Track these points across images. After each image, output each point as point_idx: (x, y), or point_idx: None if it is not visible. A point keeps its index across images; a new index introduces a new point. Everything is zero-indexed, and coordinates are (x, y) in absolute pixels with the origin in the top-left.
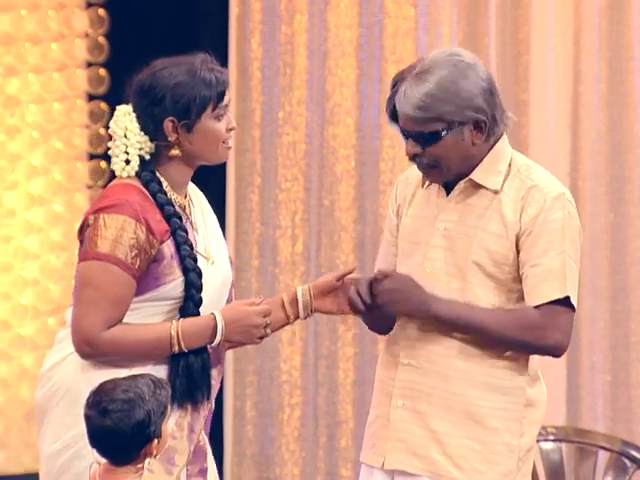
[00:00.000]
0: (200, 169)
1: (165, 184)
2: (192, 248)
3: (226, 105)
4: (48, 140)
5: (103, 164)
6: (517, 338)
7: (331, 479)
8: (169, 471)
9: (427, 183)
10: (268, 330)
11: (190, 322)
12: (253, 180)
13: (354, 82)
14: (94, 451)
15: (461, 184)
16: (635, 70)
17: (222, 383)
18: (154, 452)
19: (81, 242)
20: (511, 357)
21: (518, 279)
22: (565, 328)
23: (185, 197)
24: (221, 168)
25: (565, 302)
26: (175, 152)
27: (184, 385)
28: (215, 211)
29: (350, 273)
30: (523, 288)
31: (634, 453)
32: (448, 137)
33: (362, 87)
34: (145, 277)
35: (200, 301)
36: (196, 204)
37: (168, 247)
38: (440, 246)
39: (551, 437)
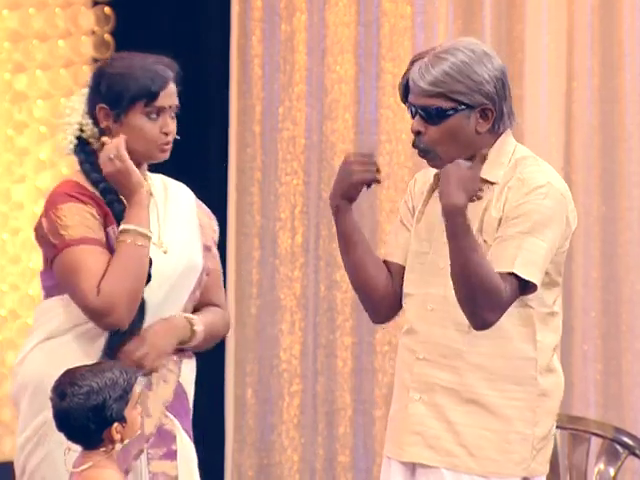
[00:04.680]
0: (201, 164)
1: None
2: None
3: (163, 107)
4: (55, 135)
5: None
6: (475, 290)
7: (330, 465)
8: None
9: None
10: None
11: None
12: (254, 174)
13: (352, 78)
14: (61, 435)
15: None
16: (626, 66)
17: (223, 372)
18: (118, 436)
19: (42, 246)
20: (521, 349)
21: None
22: (500, 306)
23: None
24: (223, 162)
25: (519, 281)
26: (105, 139)
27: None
28: (217, 204)
29: None
30: None
31: (626, 439)
32: (454, 118)
33: (360, 83)
34: None
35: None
36: (159, 194)
37: (113, 231)
38: None
39: None
